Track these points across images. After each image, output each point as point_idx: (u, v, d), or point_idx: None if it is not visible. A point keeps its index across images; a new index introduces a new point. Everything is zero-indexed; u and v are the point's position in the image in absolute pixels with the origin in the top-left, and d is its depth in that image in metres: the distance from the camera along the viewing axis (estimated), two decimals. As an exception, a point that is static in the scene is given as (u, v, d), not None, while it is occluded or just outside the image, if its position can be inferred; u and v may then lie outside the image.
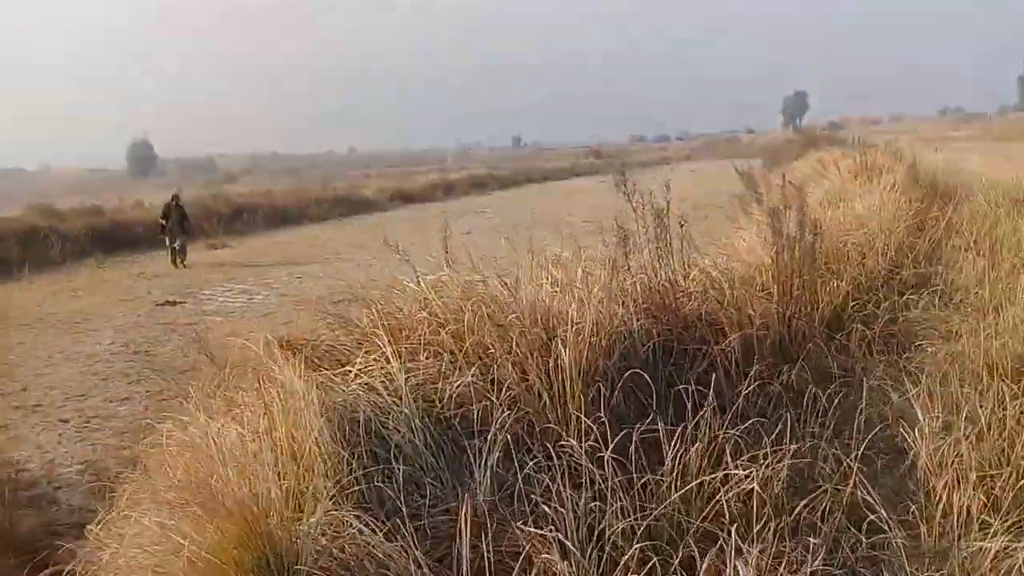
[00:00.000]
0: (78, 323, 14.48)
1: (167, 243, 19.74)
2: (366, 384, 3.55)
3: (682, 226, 4.47)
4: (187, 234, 20.26)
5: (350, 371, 3.76)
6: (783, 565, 2.75)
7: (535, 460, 3.21)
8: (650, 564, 2.71)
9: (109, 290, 17.32)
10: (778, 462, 3.19)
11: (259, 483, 2.85)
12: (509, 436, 3.26)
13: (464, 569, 2.51)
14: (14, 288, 18.99)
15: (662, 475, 3.14)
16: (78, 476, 7.99)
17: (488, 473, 3.15)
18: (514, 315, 3.71)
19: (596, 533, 2.92)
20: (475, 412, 3.45)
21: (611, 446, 3.10)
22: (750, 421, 3.48)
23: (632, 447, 3.19)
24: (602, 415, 3.30)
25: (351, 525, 2.88)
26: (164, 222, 19.84)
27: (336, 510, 2.94)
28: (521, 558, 2.75)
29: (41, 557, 3.91)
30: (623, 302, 4.14)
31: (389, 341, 3.61)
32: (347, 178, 42.89)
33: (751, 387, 3.84)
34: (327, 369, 3.83)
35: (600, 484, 3.08)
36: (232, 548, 2.58)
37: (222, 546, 2.60)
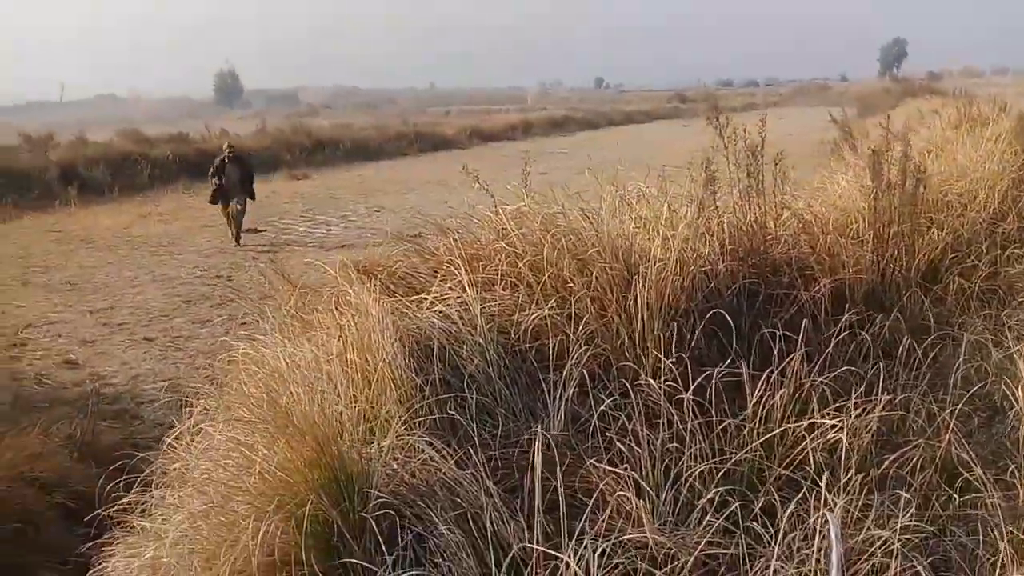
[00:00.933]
0: (164, 246, 14.91)
1: (221, 208, 15.02)
2: (441, 312, 3.49)
3: (777, 164, 4.24)
4: (249, 197, 15.05)
5: (425, 299, 3.71)
6: (870, 518, 2.62)
7: (611, 398, 3.12)
8: (730, 509, 2.61)
9: (193, 216, 17.75)
10: (867, 413, 3.04)
11: (331, 404, 2.82)
12: (585, 372, 3.17)
13: (536, 503, 2.44)
14: (103, 210, 19.62)
15: (743, 420, 3.02)
16: (160, 393, 8.25)
17: (562, 408, 3.07)
18: (595, 249, 3.59)
19: (673, 475, 2.83)
20: (550, 346, 3.37)
21: (692, 387, 2.98)
22: (839, 370, 3.32)
23: (712, 390, 3.07)
24: (682, 355, 3.18)
25: (422, 451, 2.84)
26: (219, 181, 14.84)
27: (407, 435, 2.91)
28: (594, 495, 2.68)
29: (119, 466, 4.02)
30: (708, 242, 3.97)
31: (466, 270, 3.53)
32: (426, 115, 42.85)
33: (840, 336, 3.66)
34: (402, 296, 3.79)
35: (678, 426, 2.97)
36: (303, 466, 2.56)
37: (294, 464, 2.59)
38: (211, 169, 15.21)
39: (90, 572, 3.18)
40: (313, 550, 2.47)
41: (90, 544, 3.84)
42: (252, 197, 15.33)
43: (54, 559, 4.45)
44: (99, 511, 3.35)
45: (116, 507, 3.29)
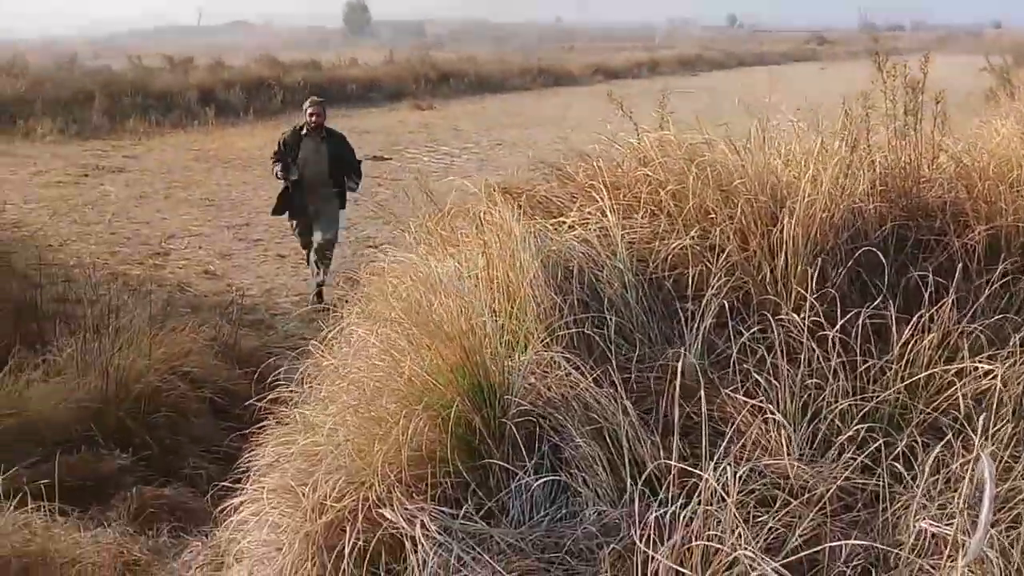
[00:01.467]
0: (296, 168, 15.38)
1: (292, 226, 8.80)
2: (580, 236, 3.51)
3: (938, 103, 4.03)
4: (348, 188, 8.43)
5: (563, 222, 3.73)
6: (1015, 470, 2.54)
7: (750, 331, 3.09)
8: (871, 447, 2.57)
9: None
10: (1021, 365, 2.91)
11: (475, 316, 2.90)
12: (725, 303, 3.14)
13: (673, 427, 2.47)
14: (238, 132, 20.38)
15: (888, 361, 2.95)
16: (292, 306, 8.62)
17: (700, 336, 3.07)
18: (741, 181, 3.52)
19: (811, 411, 2.80)
20: (690, 276, 3.35)
21: (838, 325, 2.93)
22: (993, 319, 3.18)
23: (856, 329, 3.00)
24: (828, 291, 3.11)
25: (560, 367, 2.90)
26: (287, 175, 8.23)
27: (545, 351, 2.97)
28: (731, 425, 2.69)
29: (260, 369, 4.26)
30: (858, 180, 3.83)
31: (608, 196, 3.53)
32: (551, 50, 42.33)
33: (993, 287, 3.50)
34: (540, 219, 3.82)
35: (820, 363, 2.93)
36: (449, 371, 2.66)
37: (440, 368, 2.69)
38: (277, 146, 8.44)
39: (241, 458, 3.41)
40: (456, 450, 2.57)
41: (237, 435, 4.11)
42: (352, 185, 8.42)
43: (204, 447, 4.78)
44: (249, 402, 3.57)
45: (263, 403, 3.50)
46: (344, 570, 2.22)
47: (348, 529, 2.28)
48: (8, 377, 3.56)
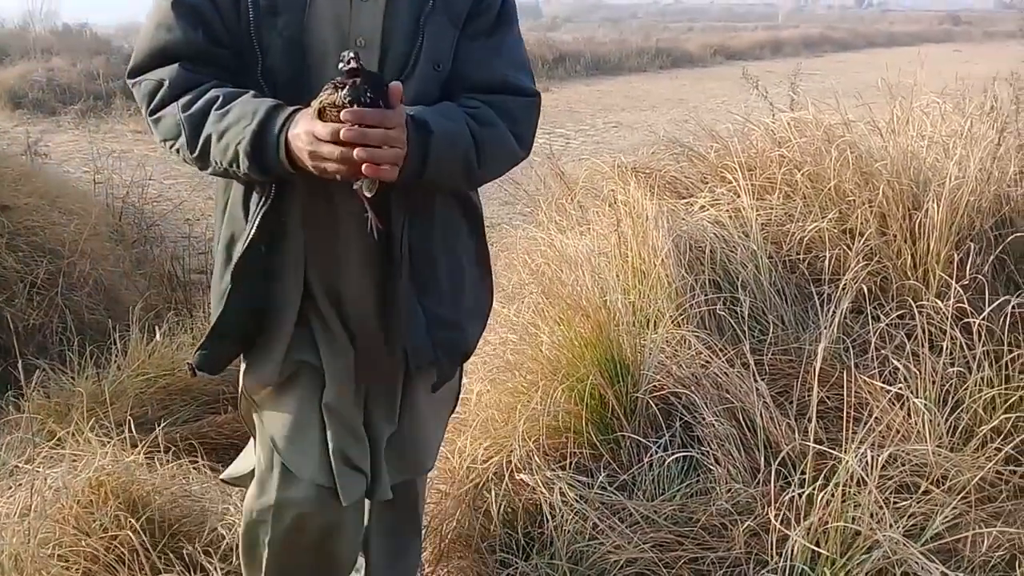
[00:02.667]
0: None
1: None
2: (712, 217, 3.50)
3: (1098, 84, 3.82)
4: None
5: (694, 203, 3.72)
6: None
7: (888, 317, 3.03)
8: (1016, 438, 2.49)
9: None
10: None
11: (609, 293, 2.95)
12: (865, 287, 3.08)
13: (810, 411, 2.45)
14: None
15: (1038, 352, 2.84)
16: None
17: (836, 321, 3.02)
18: (882, 163, 3.43)
19: (954, 400, 2.73)
20: (826, 259, 3.30)
21: (984, 313, 2.83)
22: None
23: (1005, 318, 2.90)
24: (977, 278, 3.01)
25: (691, 345, 2.92)
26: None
27: (677, 330, 2.99)
28: (867, 412, 2.65)
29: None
30: (1007, 165, 3.67)
31: (742, 176, 3.50)
32: (669, 30, 41.53)
33: None
34: (669, 199, 3.83)
35: (964, 351, 2.85)
36: (583, 345, 2.72)
37: (573, 342, 2.75)
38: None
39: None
40: (590, 422, 2.63)
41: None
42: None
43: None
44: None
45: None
46: (492, 529, 2.32)
47: (493, 490, 2.38)
48: (164, 340, 3.81)
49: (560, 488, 2.34)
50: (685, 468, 2.60)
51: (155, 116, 1.50)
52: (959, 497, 2.35)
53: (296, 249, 1.59)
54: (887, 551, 2.01)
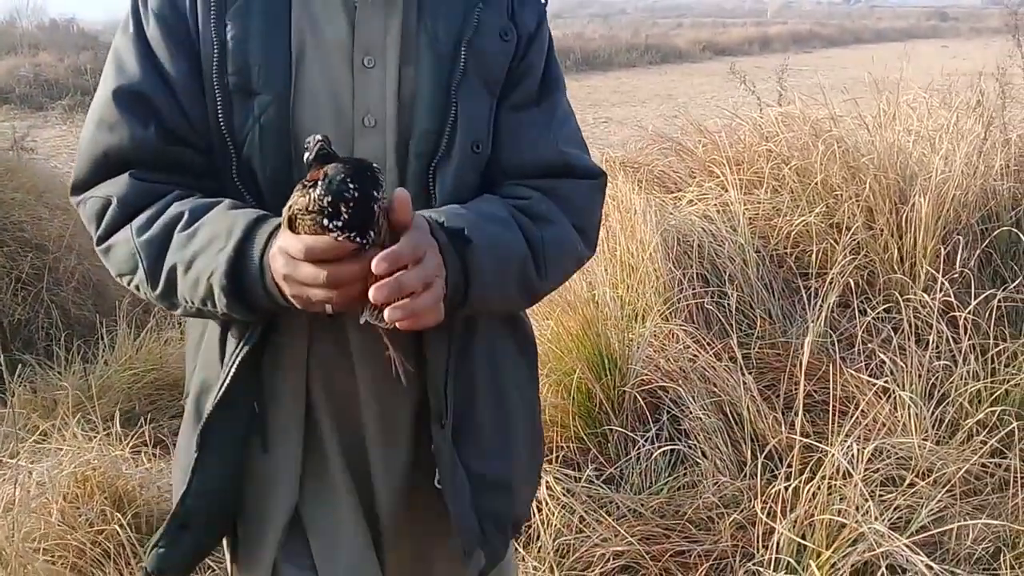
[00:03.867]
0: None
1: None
2: (700, 211, 3.51)
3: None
4: None
5: (682, 197, 3.73)
6: None
7: (875, 311, 3.04)
8: (1002, 431, 2.51)
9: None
10: None
11: (597, 287, 2.95)
12: (851, 281, 3.10)
13: (796, 405, 2.46)
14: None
15: (1022, 345, 2.86)
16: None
17: (823, 315, 3.03)
18: (868, 157, 3.44)
19: (939, 393, 2.75)
20: (813, 253, 3.31)
21: (971, 307, 2.85)
22: None
23: (991, 311, 2.92)
24: (965, 271, 3.03)
25: (679, 339, 2.93)
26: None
27: (664, 324, 2.99)
28: (853, 405, 2.66)
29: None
30: (992, 159, 3.69)
31: (730, 171, 3.51)
32: (658, 26, 41.57)
33: None
34: (658, 194, 3.83)
35: (950, 344, 2.87)
36: (571, 339, 2.72)
37: (560, 336, 2.75)
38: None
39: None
40: (577, 416, 2.64)
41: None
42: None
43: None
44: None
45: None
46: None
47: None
48: (150, 335, 3.80)
49: (547, 482, 2.34)
50: (672, 461, 2.61)
51: (104, 245, 1.13)
52: (944, 490, 2.36)
53: (293, 406, 1.18)
54: (872, 543, 2.02)
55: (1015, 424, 2.46)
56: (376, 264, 0.94)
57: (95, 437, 2.76)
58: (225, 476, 1.17)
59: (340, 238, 0.92)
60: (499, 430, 1.22)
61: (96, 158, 1.13)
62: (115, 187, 1.12)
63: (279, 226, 1.01)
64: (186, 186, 1.14)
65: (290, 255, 0.96)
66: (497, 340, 1.24)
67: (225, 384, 1.12)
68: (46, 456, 2.66)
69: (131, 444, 2.81)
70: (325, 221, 0.91)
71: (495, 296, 1.12)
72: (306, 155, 0.94)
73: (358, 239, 0.92)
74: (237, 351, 1.12)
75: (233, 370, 1.12)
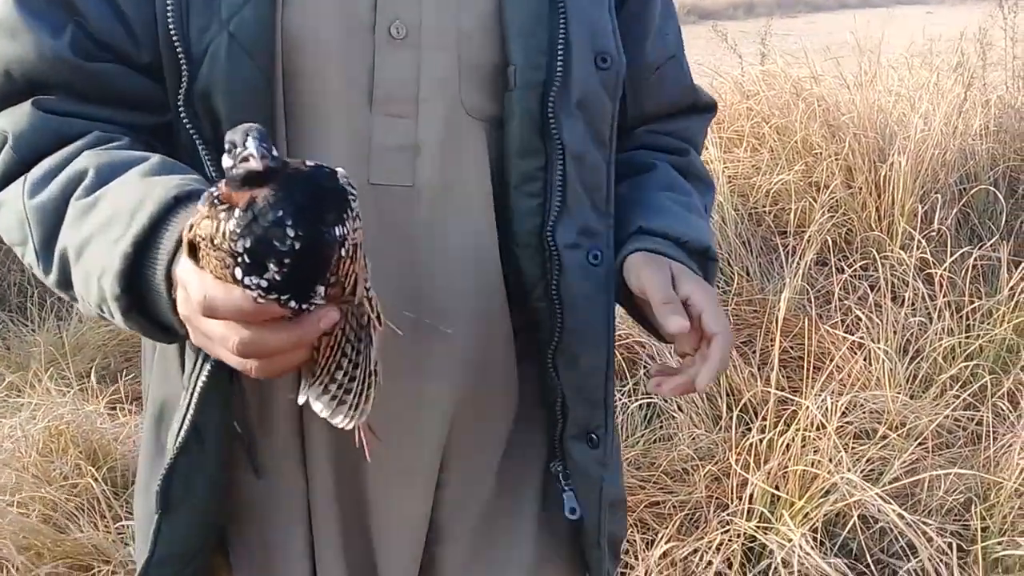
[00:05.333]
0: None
1: None
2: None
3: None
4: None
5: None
6: None
7: (852, 268, 3.05)
8: (974, 386, 2.54)
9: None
10: None
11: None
12: (829, 239, 3.10)
13: (773, 361, 2.47)
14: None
15: (997, 303, 2.88)
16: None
17: (800, 272, 3.04)
18: (848, 116, 3.43)
19: (913, 349, 2.77)
20: (792, 211, 3.31)
21: (946, 264, 2.87)
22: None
23: (966, 270, 2.94)
24: (942, 229, 3.04)
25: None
26: None
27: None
28: (829, 360, 2.67)
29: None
30: (971, 120, 3.70)
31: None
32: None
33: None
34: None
35: (925, 302, 2.88)
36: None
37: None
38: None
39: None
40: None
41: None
42: None
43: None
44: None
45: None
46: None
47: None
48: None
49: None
50: (648, 415, 2.62)
51: None
52: (916, 443, 2.39)
53: (288, 431, 0.89)
54: (844, 493, 2.04)
55: (988, 379, 2.48)
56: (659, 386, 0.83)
57: (69, 392, 2.74)
58: (200, 531, 0.89)
59: (261, 300, 0.61)
60: (611, 436, 0.98)
61: None
62: (12, 119, 0.82)
63: None
64: (117, 124, 0.83)
65: (187, 293, 0.66)
66: None
67: (189, 414, 0.82)
68: (19, 411, 2.64)
69: (107, 400, 2.79)
70: (238, 273, 0.60)
71: None
72: (225, 159, 0.62)
73: (292, 304, 0.62)
74: (198, 368, 0.81)
75: (196, 394, 0.81)
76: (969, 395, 2.55)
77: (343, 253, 0.63)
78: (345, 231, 0.63)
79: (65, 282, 0.78)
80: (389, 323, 0.73)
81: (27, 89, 0.82)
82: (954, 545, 2.01)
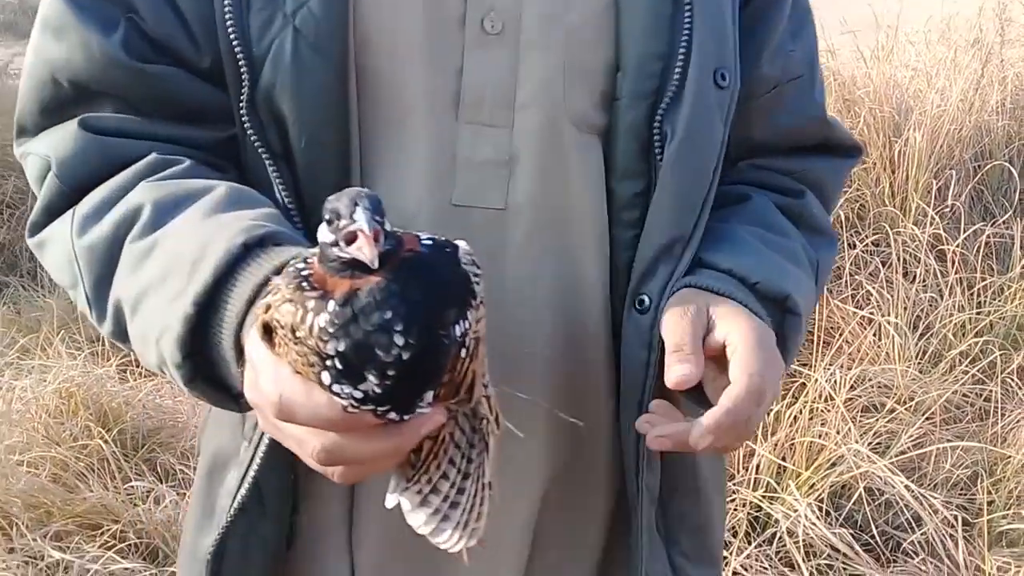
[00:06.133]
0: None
1: None
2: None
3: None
4: None
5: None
6: None
7: (864, 243, 3.03)
8: (984, 361, 2.53)
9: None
10: None
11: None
12: (842, 213, 3.08)
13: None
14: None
15: (1009, 279, 2.86)
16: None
17: (811, 246, 3.02)
18: (864, 90, 3.40)
19: (924, 324, 2.76)
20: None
21: (959, 240, 2.85)
22: None
23: (979, 246, 2.92)
24: (955, 205, 3.02)
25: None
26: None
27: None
28: (839, 334, 2.66)
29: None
30: (988, 96, 3.66)
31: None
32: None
33: None
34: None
35: (937, 278, 2.86)
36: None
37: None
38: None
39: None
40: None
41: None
42: None
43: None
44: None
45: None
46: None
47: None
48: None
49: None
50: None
51: (37, 238, 0.74)
52: (924, 417, 2.38)
53: (336, 504, 0.77)
54: (851, 464, 2.04)
55: (998, 354, 2.47)
56: (653, 440, 0.65)
57: (79, 355, 2.75)
58: None
59: (353, 410, 0.51)
60: (699, 514, 0.85)
61: (41, 83, 0.72)
62: (56, 142, 0.71)
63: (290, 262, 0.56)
64: (177, 142, 0.71)
65: (258, 382, 0.55)
66: None
67: (251, 470, 0.72)
68: (29, 373, 2.66)
69: (118, 362, 2.80)
70: (326, 378, 0.50)
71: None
72: (323, 233, 0.50)
73: (391, 416, 0.52)
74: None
75: (263, 448, 0.71)
76: (978, 371, 2.54)
77: (462, 354, 0.52)
78: (466, 326, 0.52)
79: (122, 334, 0.68)
80: (510, 425, 0.61)
81: (75, 99, 0.71)
82: (959, 518, 2.01)
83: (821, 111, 0.86)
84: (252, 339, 0.56)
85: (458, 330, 0.51)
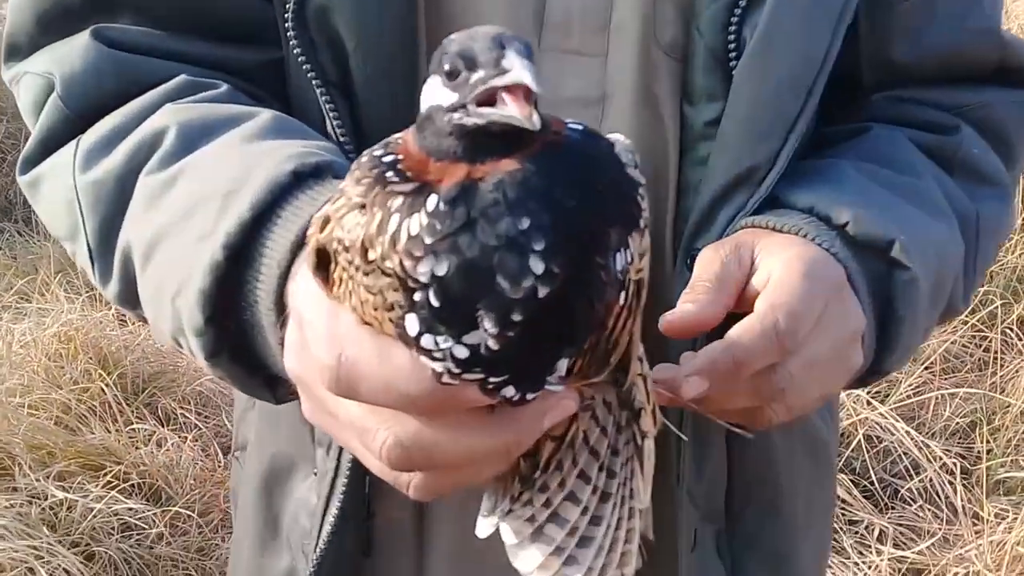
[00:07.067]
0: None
1: None
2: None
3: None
4: None
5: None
6: None
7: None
8: (985, 311, 2.53)
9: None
10: None
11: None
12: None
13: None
14: None
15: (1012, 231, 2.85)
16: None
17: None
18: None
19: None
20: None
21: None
22: None
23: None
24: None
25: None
26: None
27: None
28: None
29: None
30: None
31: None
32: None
33: None
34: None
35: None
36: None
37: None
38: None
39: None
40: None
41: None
42: None
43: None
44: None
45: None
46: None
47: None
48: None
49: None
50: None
51: (30, 176, 0.63)
52: (923, 367, 2.39)
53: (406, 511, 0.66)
54: (850, 411, 2.05)
55: (999, 303, 2.47)
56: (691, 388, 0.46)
57: (78, 300, 2.73)
58: None
59: (449, 380, 0.35)
60: (778, 538, 0.71)
61: None
62: (62, 56, 0.57)
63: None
64: (210, 64, 0.58)
65: (305, 341, 0.41)
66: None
67: (338, 487, 0.58)
68: (27, 316, 2.64)
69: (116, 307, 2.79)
70: (413, 325, 0.34)
71: (901, 359, 0.61)
72: (438, 92, 0.36)
73: (507, 394, 0.36)
74: None
75: (349, 461, 0.57)
76: (978, 321, 2.54)
77: (621, 300, 0.36)
78: (628, 259, 0.36)
79: (130, 296, 0.54)
80: (668, 422, 0.44)
81: (86, 8, 0.57)
82: (958, 466, 2.03)
83: (993, 22, 0.65)
84: (299, 280, 0.41)
85: (619, 262, 0.35)
